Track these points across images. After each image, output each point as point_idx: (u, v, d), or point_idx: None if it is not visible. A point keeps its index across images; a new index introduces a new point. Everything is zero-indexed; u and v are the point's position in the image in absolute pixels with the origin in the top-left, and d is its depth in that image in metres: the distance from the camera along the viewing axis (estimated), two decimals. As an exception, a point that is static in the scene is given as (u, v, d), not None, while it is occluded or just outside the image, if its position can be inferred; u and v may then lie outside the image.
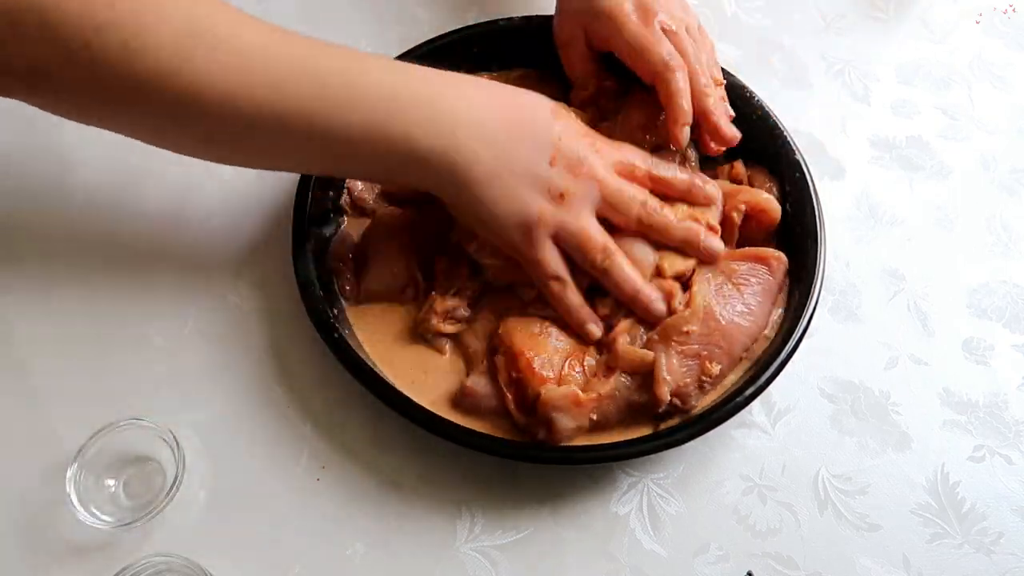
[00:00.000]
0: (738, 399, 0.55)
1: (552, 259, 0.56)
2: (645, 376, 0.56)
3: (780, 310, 0.60)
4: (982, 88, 0.78)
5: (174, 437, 0.55)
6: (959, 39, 0.81)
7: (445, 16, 0.78)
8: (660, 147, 0.61)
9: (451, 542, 0.55)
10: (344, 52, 0.53)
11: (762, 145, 0.66)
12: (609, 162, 0.57)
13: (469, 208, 0.55)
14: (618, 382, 0.56)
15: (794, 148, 0.64)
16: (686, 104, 0.59)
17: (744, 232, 0.62)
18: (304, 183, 0.62)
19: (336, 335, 0.56)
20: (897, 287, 0.66)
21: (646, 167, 0.59)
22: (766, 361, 0.57)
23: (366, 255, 0.62)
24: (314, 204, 0.62)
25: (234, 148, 0.55)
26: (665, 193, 0.59)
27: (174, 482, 0.53)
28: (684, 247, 0.59)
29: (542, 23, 0.71)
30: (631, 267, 0.57)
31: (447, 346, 0.60)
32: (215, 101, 0.49)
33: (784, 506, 0.57)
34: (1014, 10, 0.83)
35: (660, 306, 0.57)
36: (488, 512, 0.56)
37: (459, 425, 0.55)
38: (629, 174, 0.58)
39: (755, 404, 0.58)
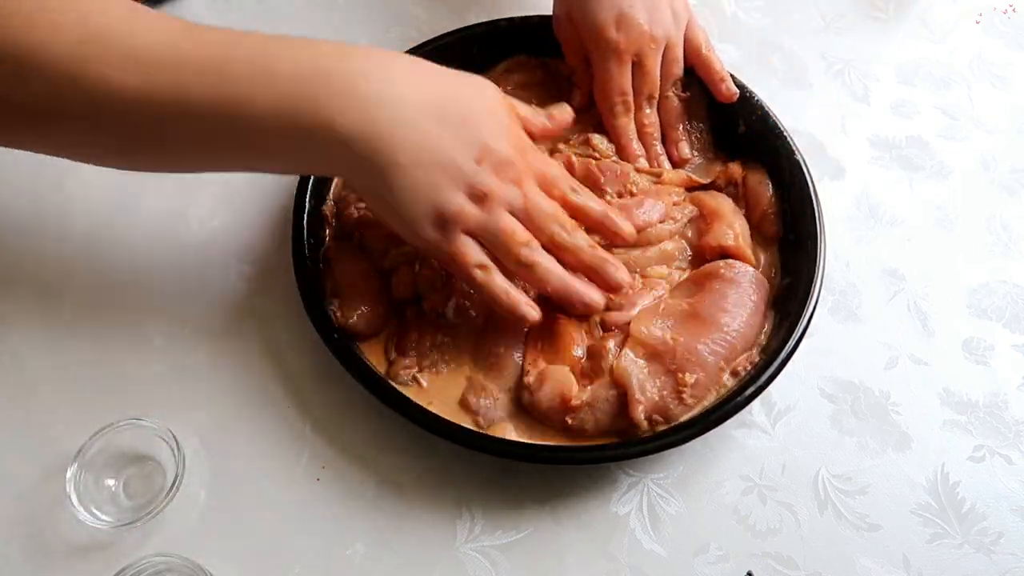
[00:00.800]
0: (738, 399, 0.55)
1: (470, 250, 0.53)
2: (622, 394, 0.55)
3: (773, 315, 0.60)
4: (982, 88, 0.78)
5: (174, 437, 0.55)
6: (959, 39, 0.81)
7: (445, 16, 0.78)
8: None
9: (451, 542, 0.55)
10: (251, 39, 0.49)
11: (762, 145, 0.66)
12: (533, 171, 0.55)
13: (383, 196, 0.51)
14: (596, 393, 0.56)
15: (794, 148, 0.64)
16: (628, 144, 0.67)
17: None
18: (304, 183, 0.62)
19: (336, 335, 0.56)
20: (897, 287, 0.66)
21: (564, 189, 0.57)
22: (766, 361, 0.57)
23: (340, 292, 0.60)
24: (314, 205, 0.62)
25: (149, 154, 0.52)
26: (578, 218, 0.57)
27: (174, 482, 0.53)
28: (590, 275, 0.57)
29: (542, 23, 0.71)
30: (554, 262, 0.55)
31: (425, 380, 0.59)
32: (118, 108, 0.47)
33: (784, 506, 0.57)
34: (1014, 10, 0.83)
35: (595, 296, 0.56)
36: (488, 512, 0.56)
37: (459, 425, 0.55)
38: (548, 191, 0.56)
39: (755, 404, 0.58)
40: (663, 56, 0.66)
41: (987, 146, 0.74)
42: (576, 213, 0.57)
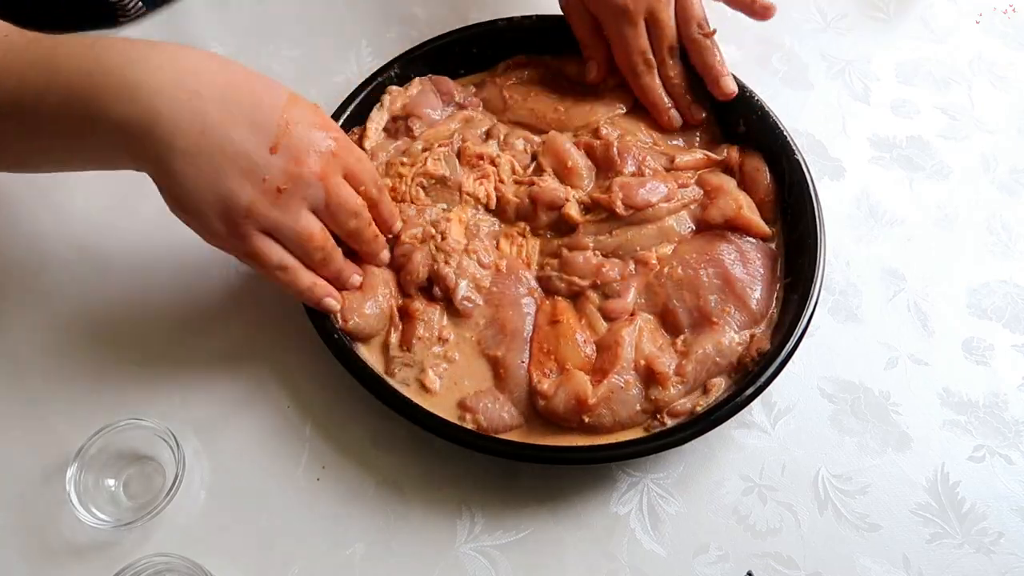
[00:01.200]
0: (738, 399, 0.55)
1: (271, 251, 0.52)
2: (640, 374, 0.57)
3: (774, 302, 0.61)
4: (982, 88, 0.78)
5: (174, 437, 0.55)
6: (959, 39, 0.81)
7: (445, 16, 0.78)
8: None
9: (451, 542, 0.55)
10: (52, 40, 0.50)
11: (762, 145, 0.66)
12: (342, 164, 0.53)
13: (167, 188, 0.49)
14: (611, 386, 0.56)
15: (794, 148, 0.64)
16: (657, 99, 0.67)
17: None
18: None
19: (336, 335, 0.56)
20: (897, 287, 0.66)
21: (370, 186, 0.56)
22: (766, 361, 0.57)
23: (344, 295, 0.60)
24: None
25: None
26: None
27: (174, 482, 0.53)
28: (363, 256, 0.59)
29: (542, 23, 0.71)
30: (345, 259, 0.57)
31: (427, 380, 0.59)
32: None
33: (784, 506, 0.57)
34: (1014, 10, 0.83)
35: (333, 303, 0.56)
36: (488, 512, 0.56)
37: (459, 425, 0.55)
38: (355, 186, 0.55)
39: (755, 404, 0.58)
40: (675, 3, 0.66)
41: (987, 146, 0.74)
42: (371, 207, 0.57)
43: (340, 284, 0.57)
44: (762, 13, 0.69)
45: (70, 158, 0.54)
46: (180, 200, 0.50)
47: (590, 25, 0.68)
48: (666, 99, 0.67)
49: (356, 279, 0.58)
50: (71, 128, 0.49)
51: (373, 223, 0.58)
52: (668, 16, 0.66)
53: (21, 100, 0.49)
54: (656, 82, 0.67)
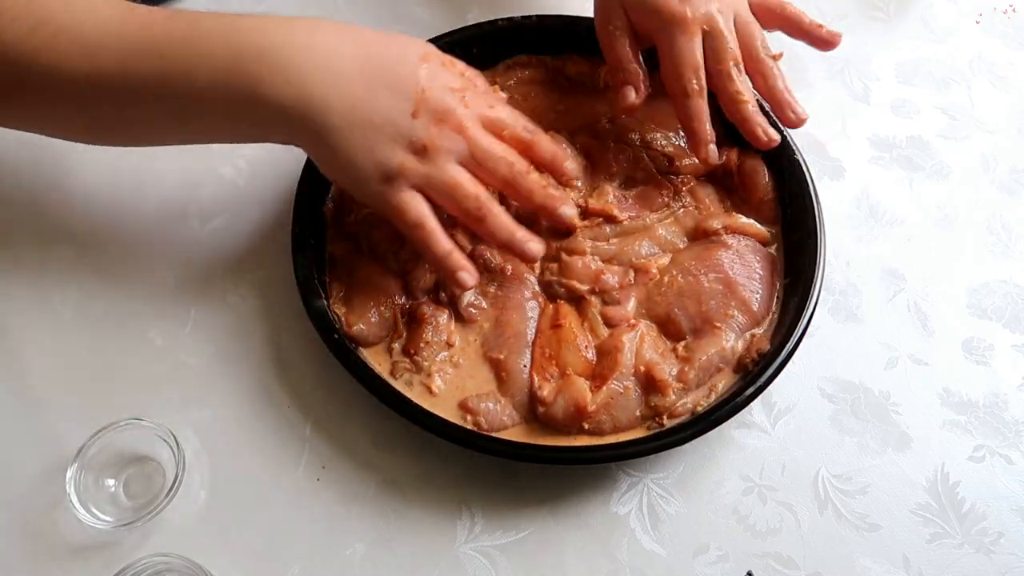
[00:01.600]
0: (738, 399, 0.55)
1: (413, 205, 0.54)
2: (639, 380, 0.57)
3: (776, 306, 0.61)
4: (982, 88, 0.78)
5: (174, 437, 0.55)
6: (959, 39, 0.81)
7: (445, 16, 0.78)
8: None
9: (451, 542, 0.55)
10: (187, 17, 0.53)
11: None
12: (476, 115, 0.55)
13: (328, 160, 0.54)
14: (611, 392, 0.56)
15: (794, 148, 0.64)
16: (701, 128, 0.60)
17: None
18: (304, 183, 0.62)
19: (336, 335, 0.56)
20: (897, 287, 0.66)
21: (514, 128, 0.57)
22: (766, 361, 0.57)
23: (350, 301, 0.60)
24: (314, 205, 0.62)
25: (112, 130, 0.57)
26: (529, 157, 0.57)
27: (174, 482, 0.53)
28: (540, 213, 0.58)
29: (542, 23, 0.71)
30: (504, 214, 0.56)
31: (432, 382, 0.59)
32: (70, 90, 0.51)
33: (784, 506, 0.57)
34: (1014, 10, 0.83)
35: (536, 247, 0.57)
36: (488, 512, 0.56)
37: (459, 425, 0.55)
38: (497, 132, 0.56)
39: (755, 404, 0.58)
40: (735, 20, 0.61)
41: (987, 146, 0.74)
42: (526, 151, 0.57)
43: (515, 249, 0.56)
44: (829, 41, 0.64)
45: (218, 134, 0.57)
46: (345, 171, 0.54)
47: (629, 40, 0.62)
48: (707, 127, 0.61)
49: (535, 246, 0.56)
50: (223, 108, 0.52)
51: (533, 170, 0.57)
52: (728, 28, 0.60)
53: (168, 78, 0.51)
54: (705, 106, 0.60)
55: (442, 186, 0.54)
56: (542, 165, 0.58)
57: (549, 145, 0.59)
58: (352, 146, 0.52)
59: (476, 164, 0.55)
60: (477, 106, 0.55)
